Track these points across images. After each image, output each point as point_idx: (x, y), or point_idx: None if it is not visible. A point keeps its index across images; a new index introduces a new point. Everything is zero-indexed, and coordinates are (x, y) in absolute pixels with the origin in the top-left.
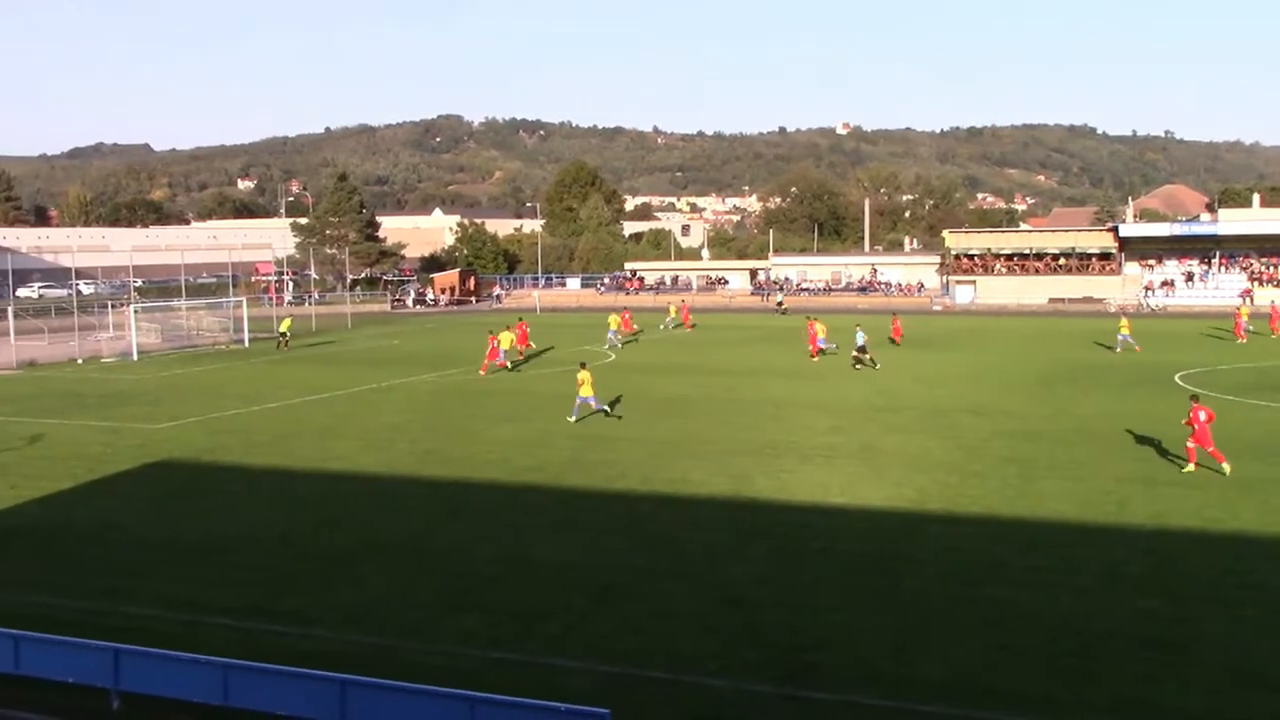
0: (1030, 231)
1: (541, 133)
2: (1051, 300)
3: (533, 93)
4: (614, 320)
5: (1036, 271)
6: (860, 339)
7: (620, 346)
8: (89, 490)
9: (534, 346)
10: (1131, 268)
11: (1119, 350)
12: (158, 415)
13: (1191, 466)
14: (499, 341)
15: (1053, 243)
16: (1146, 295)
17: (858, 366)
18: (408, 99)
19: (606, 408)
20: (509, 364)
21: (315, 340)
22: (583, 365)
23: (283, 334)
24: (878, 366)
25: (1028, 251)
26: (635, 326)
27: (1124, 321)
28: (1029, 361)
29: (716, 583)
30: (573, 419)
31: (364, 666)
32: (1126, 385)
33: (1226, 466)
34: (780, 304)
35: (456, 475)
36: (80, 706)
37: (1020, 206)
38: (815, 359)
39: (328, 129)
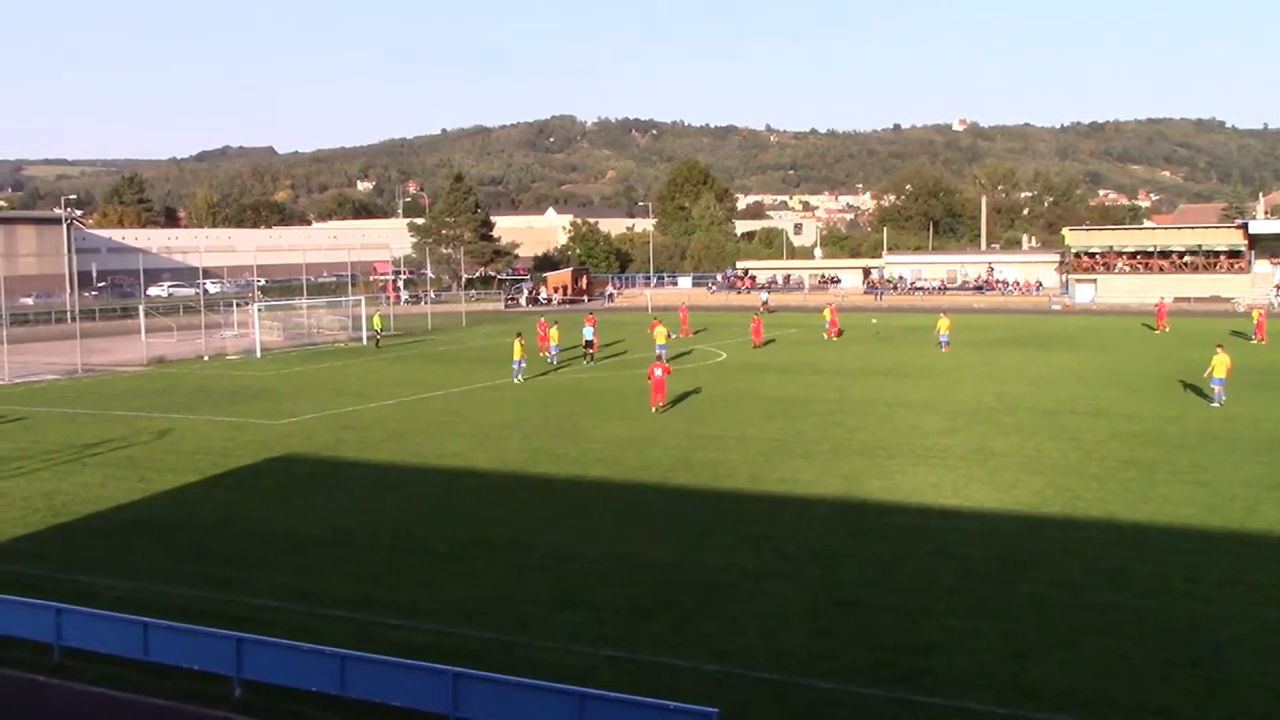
0: (1154, 229)
1: (654, 132)
2: (1176, 299)
3: (645, 92)
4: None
5: (1161, 270)
6: (588, 334)
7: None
8: (213, 483)
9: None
10: (1262, 266)
11: (944, 350)
12: (279, 411)
13: (655, 409)
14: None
15: (1178, 240)
16: (1277, 294)
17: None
18: (521, 100)
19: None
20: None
21: (430, 338)
22: (519, 334)
23: (375, 331)
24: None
25: (1151, 249)
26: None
27: (944, 321)
28: (1151, 362)
29: (826, 584)
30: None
31: (476, 660)
32: (1254, 388)
33: (654, 410)
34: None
35: (567, 473)
36: (205, 692)
37: (1144, 203)
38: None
39: (444, 131)
